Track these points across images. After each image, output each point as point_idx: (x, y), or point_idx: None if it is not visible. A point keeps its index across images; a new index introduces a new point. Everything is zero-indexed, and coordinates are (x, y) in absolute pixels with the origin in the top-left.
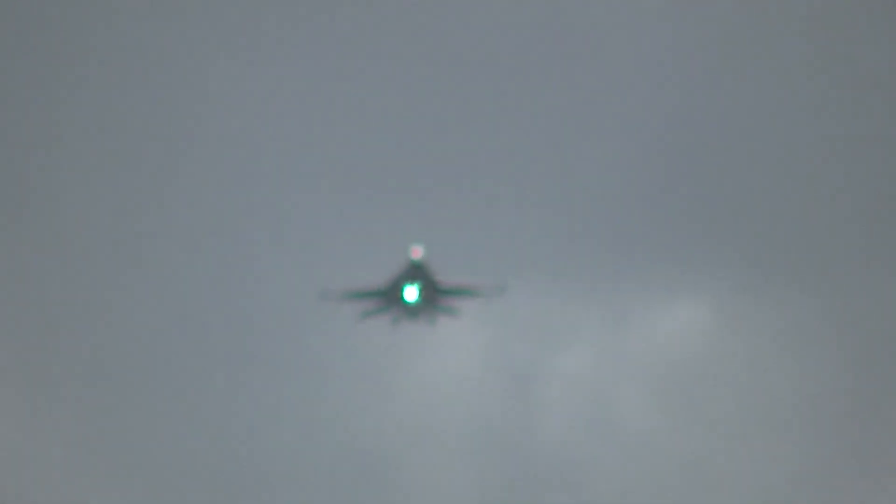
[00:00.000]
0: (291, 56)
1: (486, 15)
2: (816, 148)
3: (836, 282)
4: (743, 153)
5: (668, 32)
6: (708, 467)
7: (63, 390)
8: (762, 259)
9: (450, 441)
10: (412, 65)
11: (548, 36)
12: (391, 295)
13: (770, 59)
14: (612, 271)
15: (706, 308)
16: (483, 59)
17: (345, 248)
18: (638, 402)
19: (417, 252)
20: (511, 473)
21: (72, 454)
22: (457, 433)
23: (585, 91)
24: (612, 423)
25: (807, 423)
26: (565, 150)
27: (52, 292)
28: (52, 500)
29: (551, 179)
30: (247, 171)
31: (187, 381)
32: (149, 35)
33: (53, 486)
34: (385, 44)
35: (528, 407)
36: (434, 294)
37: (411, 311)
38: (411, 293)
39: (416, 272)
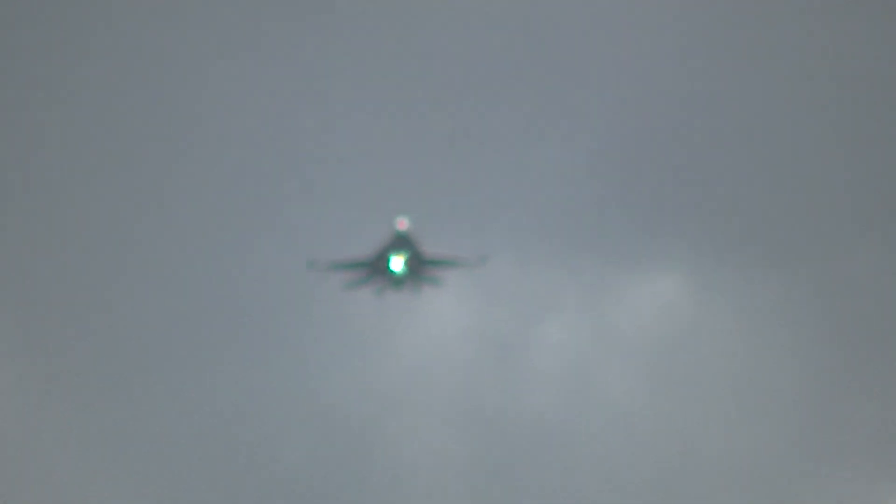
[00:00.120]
0: (279, 38)
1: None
2: (793, 130)
3: (811, 258)
4: (721, 134)
5: (645, 27)
6: (685, 435)
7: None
8: (740, 235)
9: (433, 407)
10: (399, 46)
11: (537, 24)
12: (377, 265)
13: (743, 49)
14: (594, 244)
15: (684, 281)
16: (471, 40)
17: (332, 220)
18: (618, 371)
19: (403, 223)
20: (493, 439)
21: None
22: (440, 399)
23: (572, 73)
24: (592, 391)
25: (781, 393)
26: (549, 127)
27: (44, 287)
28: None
29: (535, 156)
30: (236, 148)
31: (179, 351)
32: (146, 26)
33: (55, 470)
34: (370, 28)
35: (509, 375)
36: (419, 264)
37: (397, 280)
38: (397, 263)
39: (401, 243)
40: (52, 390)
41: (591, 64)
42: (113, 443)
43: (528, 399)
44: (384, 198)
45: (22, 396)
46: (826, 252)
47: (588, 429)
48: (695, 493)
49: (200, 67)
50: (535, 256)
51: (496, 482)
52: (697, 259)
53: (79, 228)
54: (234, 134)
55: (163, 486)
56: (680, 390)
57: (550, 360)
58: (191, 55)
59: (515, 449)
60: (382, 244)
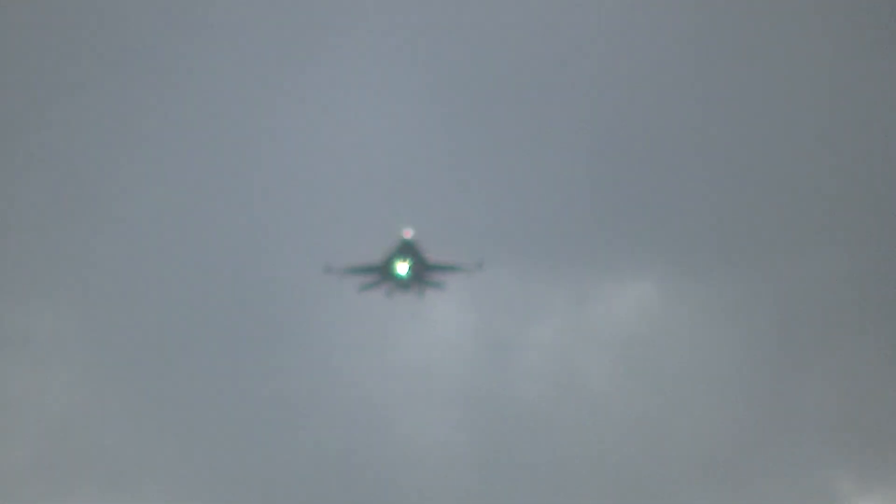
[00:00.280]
0: (300, 49)
1: (483, 14)
2: (753, 150)
3: (763, 264)
4: (684, 161)
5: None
6: (655, 419)
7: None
8: (702, 245)
9: (437, 396)
10: (408, 66)
11: (536, 42)
12: (385, 270)
13: (712, 80)
14: (577, 255)
15: (655, 286)
16: (474, 61)
17: (345, 229)
18: (599, 365)
19: (408, 233)
20: (490, 424)
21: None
22: (443, 390)
23: (560, 102)
24: (575, 382)
25: (737, 382)
26: (539, 153)
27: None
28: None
29: (527, 177)
30: (266, 166)
31: (213, 346)
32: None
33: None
34: (383, 45)
35: (504, 368)
36: (423, 269)
37: (403, 284)
38: (402, 268)
39: (406, 250)
40: (121, 381)
41: (585, 101)
42: (159, 422)
43: (520, 389)
44: (391, 209)
45: (94, 391)
46: (775, 258)
47: (572, 414)
48: (662, 468)
49: (235, 77)
50: (527, 265)
51: (494, 461)
52: (665, 267)
53: (138, 239)
54: (261, 148)
55: (206, 466)
56: (651, 381)
57: (539, 356)
58: (224, 67)
59: (510, 433)
60: (389, 251)
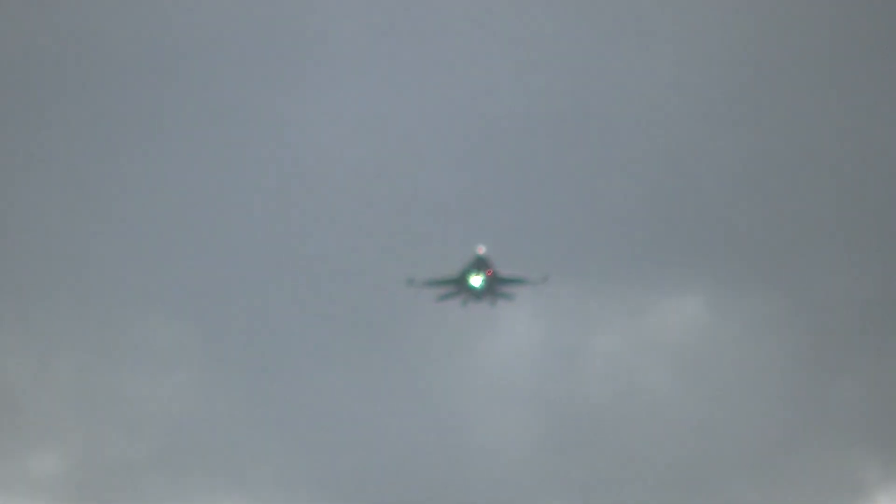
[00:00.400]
0: (400, 81)
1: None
2: (789, 173)
3: (800, 278)
4: (724, 190)
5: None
6: (703, 421)
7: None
8: (743, 263)
9: (510, 398)
10: (479, 93)
11: (599, 75)
12: (461, 282)
13: (736, 118)
14: (635, 272)
15: (702, 300)
16: (546, 88)
17: (426, 245)
18: (654, 373)
19: (482, 249)
20: (557, 424)
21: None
22: (515, 392)
23: (617, 134)
24: (633, 387)
25: (778, 386)
26: (598, 181)
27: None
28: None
29: (590, 203)
30: (361, 193)
31: (313, 349)
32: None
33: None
34: (468, 78)
35: (570, 373)
36: (494, 282)
37: (476, 295)
38: (476, 280)
39: (480, 264)
40: (231, 383)
41: (636, 124)
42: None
43: (584, 393)
44: (467, 228)
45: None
46: (811, 273)
47: (630, 416)
48: (710, 463)
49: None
50: (586, 281)
51: (560, 458)
52: (711, 283)
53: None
54: (358, 184)
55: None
56: (700, 386)
57: (601, 363)
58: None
59: (575, 432)
60: (464, 265)
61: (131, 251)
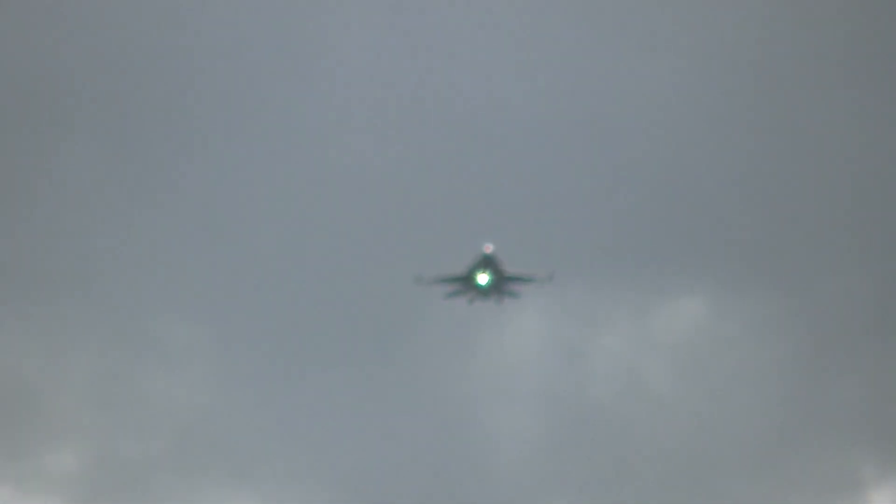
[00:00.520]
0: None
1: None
2: (789, 176)
3: (800, 281)
4: (727, 195)
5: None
6: (708, 418)
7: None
8: (745, 267)
9: (516, 394)
10: (488, 106)
11: (606, 80)
12: (468, 280)
13: (741, 120)
14: (639, 274)
15: (705, 302)
16: (556, 97)
17: (434, 244)
18: (657, 372)
19: (489, 248)
20: (562, 420)
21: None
22: (521, 389)
23: (624, 141)
24: (639, 386)
25: (778, 386)
26: (604, 183)
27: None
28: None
29: (595, 204)
30: (371, 197)
31: (324, 348)
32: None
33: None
34: (464, 85)
35: (575, 371)
36: (501, 280)
37: (483, 293)
38: (483, 278)
39: (487, 263)
40: (242, 382)
41: (641, 131)
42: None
43: (589, 390)
44: (474, 227)
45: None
46: (811, 276)
47: (634, 413)
48: (712, 459)
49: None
50: (592, 282)
51: (564, 453)
52: (713, 285)
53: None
54: (369, 188)
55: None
56: (703, 385)
57: (606, 361)
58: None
59: (580, 428)
60: (472, 264)
61: (147, 252)
